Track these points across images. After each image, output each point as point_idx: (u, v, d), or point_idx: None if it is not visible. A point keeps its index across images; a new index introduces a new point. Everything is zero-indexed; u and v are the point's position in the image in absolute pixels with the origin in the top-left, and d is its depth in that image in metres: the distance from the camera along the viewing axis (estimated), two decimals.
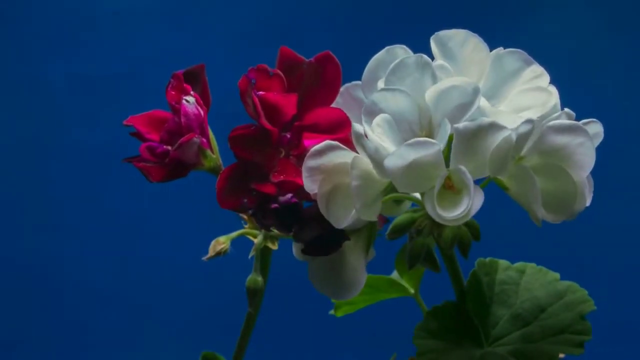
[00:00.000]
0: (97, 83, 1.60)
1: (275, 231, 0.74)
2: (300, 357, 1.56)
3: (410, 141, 0.61)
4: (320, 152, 0.65)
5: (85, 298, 1.57)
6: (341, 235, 0.67)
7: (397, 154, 0.61)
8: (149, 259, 1.57)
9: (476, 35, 0.67)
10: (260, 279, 0.75)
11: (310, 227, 0.67)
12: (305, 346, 1.56)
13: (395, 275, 0.85)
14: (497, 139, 0.61)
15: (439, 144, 0.61)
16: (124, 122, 0.71)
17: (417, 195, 0.67)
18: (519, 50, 0.67)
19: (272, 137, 0.68)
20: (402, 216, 0.66)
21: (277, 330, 1.45)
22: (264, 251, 0.76)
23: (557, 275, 0.73)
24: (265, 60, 0.69)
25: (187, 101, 0.70)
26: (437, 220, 0.62)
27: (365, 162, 0.64)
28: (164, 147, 0.70)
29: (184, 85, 0.71)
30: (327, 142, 0.65)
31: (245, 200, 0.67)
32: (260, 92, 0.68)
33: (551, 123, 0.64)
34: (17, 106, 1.60)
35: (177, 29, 1.61)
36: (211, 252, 0.74)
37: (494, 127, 0.61)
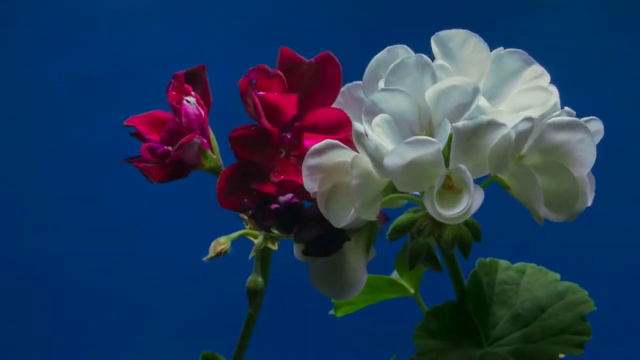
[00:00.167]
0: (97, 83, 1.60)
1: (276, 232, 0.74)
2: (300, 357, 1.56)
3: (409, 139, 0.61)
4: (320, 151, 0.65)
5: (85, 298, 1.57)
6: (342, 236, 0.67)
7: (396, 153, 0.61)
8: (149, 259, 1.57)
9: (476, 35, 0.67)
10: (260, 279, 0.75)
11: (311, 228, 0.67)
12: (305, 346, 1.56)
13: (395, 275, 0.84)
14: (496, 136, 0.61)
15: (439, 143, 0.61)
16: (125, 123, 0.71)
17: (418, 195, 0.67)
18: (519, 50, 0.67)
19: (273, 138, 0.68)
20: (402, 216, 0.66)
21: (277, 330, 1.45)
22: (265, 252, 0.76)
23: (558, 275, 0.73)
24: (266, 61, 0.69)
25: (187, 101, 0.70)
26: (437, 218, 0.62)
27: (366, 162, 0.63)
28: (165, 147, 0.70)
29: (185, 85, 0.71)
30: (327, 141, 0.65)
31: (246, 201, 0.67)
32: (261, 93, 0.67)
33: (551, 120, 0.64)
34: (17, 106, 1.60)
35: (177, 29, 1.61)
36: (211, 252, 0.74)
37: (493, 124, 0.61)
